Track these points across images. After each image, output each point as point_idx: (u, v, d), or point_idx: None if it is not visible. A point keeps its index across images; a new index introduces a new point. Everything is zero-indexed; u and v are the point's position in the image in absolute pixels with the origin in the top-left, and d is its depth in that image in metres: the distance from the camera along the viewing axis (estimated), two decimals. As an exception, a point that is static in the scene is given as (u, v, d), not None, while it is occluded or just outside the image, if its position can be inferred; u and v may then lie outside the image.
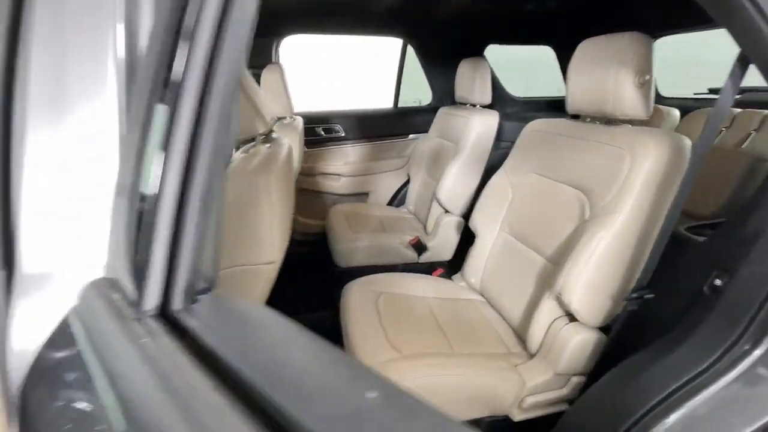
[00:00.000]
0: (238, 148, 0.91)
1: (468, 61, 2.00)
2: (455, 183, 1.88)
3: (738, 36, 0.67)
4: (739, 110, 1.73)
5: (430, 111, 2.37)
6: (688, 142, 0.92)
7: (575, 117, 1.25)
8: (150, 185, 0.31)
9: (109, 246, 0.39)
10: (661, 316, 0.88)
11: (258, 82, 1.77)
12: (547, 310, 1.05)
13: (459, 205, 1.90)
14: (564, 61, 2.60)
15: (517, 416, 1.04)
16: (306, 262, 1.88)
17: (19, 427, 0.36)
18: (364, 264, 1.87)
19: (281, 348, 0.28)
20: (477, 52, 2.39)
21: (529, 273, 1.19)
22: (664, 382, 0.73)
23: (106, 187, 0.39)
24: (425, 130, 2.37)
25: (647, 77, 0.95)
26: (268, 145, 0.89)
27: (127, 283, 0.35)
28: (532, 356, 1.08)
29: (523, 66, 3.02)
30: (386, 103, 2.61)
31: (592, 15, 2.06)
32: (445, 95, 2.47)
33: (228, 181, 0.62)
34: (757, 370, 0.63)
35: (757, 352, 0.63)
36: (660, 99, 2.44)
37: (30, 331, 0.38)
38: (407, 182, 2.48)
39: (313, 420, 0.20)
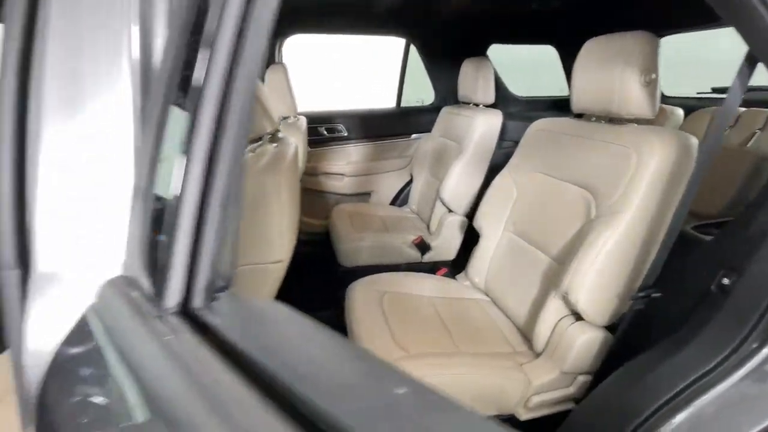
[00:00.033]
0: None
1: (471, 61, 2.00)
2: (459, 182, 1.88)
3: (746, 35, 0.67)
4: (743, 109, 1.72)
5: (433, 111, 2.37)
6: (695, 141, 0.92)
7: (578, 116, 1.25)
8: (171, 187, 0.31)
9: (126, 245, 0.39)
10: (668, 315, 0.88)
11: (261, 81, 1.77)
12: (553, 309, 1.05)
13: (462, 204, 1.90)
14: (567, 60, 2.60)
15: (524, 415, 1.04)
16: (309, 261, 1.88)
17: (37, 423, 0.36)
18: (368, 264, 1.87)
19: (303, 344, 0.28)
20: (480, 52, 2.39)
21: (534, 272, 1.19)
22: (672, 381, 0.73)
23: (120, 187, 0.39)
24: (428, 130, 2.37)
25: (653, 76, 0.95)
26: (275, 144, 0.89)
27: (147, 282, 0.35)
28: (537, 355, 1.08)
29: (525, 66, 3.02)
30: (386, 103, 2.61)
31: (595, 14, 2.05)
32: (447, 95, 2.47)
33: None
34: (766, 368, 0.63)
35: (766, 351, 0.62)
36: (663, 98, 2.44)
37: (46, 329, 0.38)
38: (410, 182, 2.48)
39: (345, 414, 0.20)
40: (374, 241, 1.90)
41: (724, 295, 0.72)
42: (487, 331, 1.20)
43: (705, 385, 0.69)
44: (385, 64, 2.74)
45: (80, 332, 0.37)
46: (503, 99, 2.48)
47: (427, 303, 1.30)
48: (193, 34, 0.38)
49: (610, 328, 1.00)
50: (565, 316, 1.04)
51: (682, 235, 0.91)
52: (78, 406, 0.32)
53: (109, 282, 0.38)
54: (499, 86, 2.47)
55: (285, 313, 0.31)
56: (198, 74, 0.31)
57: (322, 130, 2.38)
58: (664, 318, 0.90)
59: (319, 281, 1.89)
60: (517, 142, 2.07)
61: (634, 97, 0.97)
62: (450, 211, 1.93)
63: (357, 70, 4.39)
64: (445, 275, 1.63)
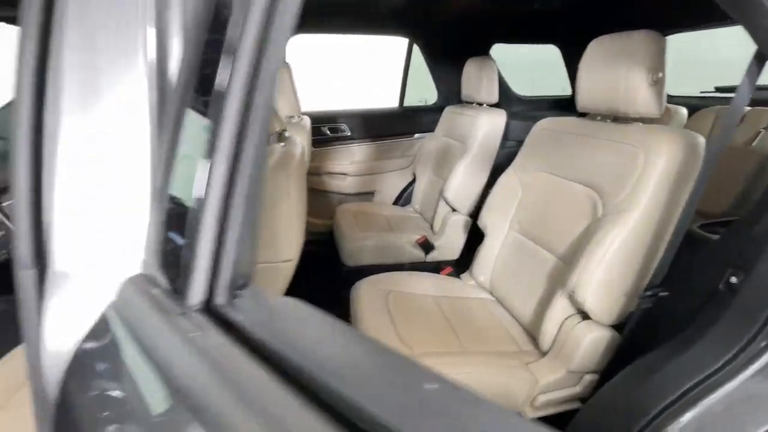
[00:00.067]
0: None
1: (474, 60, 2.00)
2: (463, 182, 1.88)
3: (755, 33, 0.67)
4: (748, 108, 1.72)
5: (436, 110, 2.37)
6: (702, 140, 0.92)
7: (582, 115, 1.25)
8: (193, 189, 0.32)
9: (145, 244, 0.39)
10: (675, 313, 0.88)
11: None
12: (560, 308, 1.05)
13: (466, 204, 1.91)
14: (570, 60, 2.59)
15: (530, 414, 1.04)
16: (313, 260, 1.89)
17: (57, 420, 0.36)
18: (372, 263, 1.88)
19: (327, 340, 0.28)
20: (482, 51, 2.39)
21: (539, 271, 1.19)
22: (679, 380, 0.73)
23: (137, 186, 0.39)
24: (431, 130, 2.37)
25: (660, 75, 0.95)
26: (282, 144, 0.89)
27: (167, 280, 0.35)
28: (543, 354, 1.08)
29: (528, 65, 3.02)
30: (386, 103, 2.62)
31: (598, 14, 2.05)
32: (450, 94, 2.48)
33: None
34: (774, 366, 0.63)
35: (774, 349, 0.63)
36: (667, 97, 2.43)
37: (64, 328, 0.38)
38: (413, 181, 2.49)
39: (378, 408, 0.20)
40: (378, 240, 1.90)
41: (731, 293, 0.72)
42: (492, 330, 1.20)
43: (713, 384, 0.69)
44: (385, 64, 2.75)
45: (100, 329, 0.37)
46: (506, 98, 2.48)
47: (432, 302, 1.30)
48: (210, 39, 0.38)
49: (617, 327, 1.00)
50: (572, 315, 1.04)
51: (689, 234, 0.91)
52: (98, 400, 0.33)
53: (129, 280, 0.38)
54: (502, 86, 2.47)
55: (305, 310, 0.32)
56: (221, 79, 0.32)
57: (326, 130, 2.39)
58: (671, 317, 0.90)
59: (323, 280, 1.89)
60: (520, 142, 2.07)
61: (640, 96, 0.97)
62: (454, 210, 1.93)
63: (357, 70, 4.39)
64: (450, 274, 1.63)
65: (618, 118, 1.10)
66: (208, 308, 0.32)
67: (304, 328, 0.30)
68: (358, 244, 1.88)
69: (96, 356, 0.36)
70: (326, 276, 1.94)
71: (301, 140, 1.17)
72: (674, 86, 2.44)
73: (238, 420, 0.22)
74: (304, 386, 0.23)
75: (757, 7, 0.62)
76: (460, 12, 2.06)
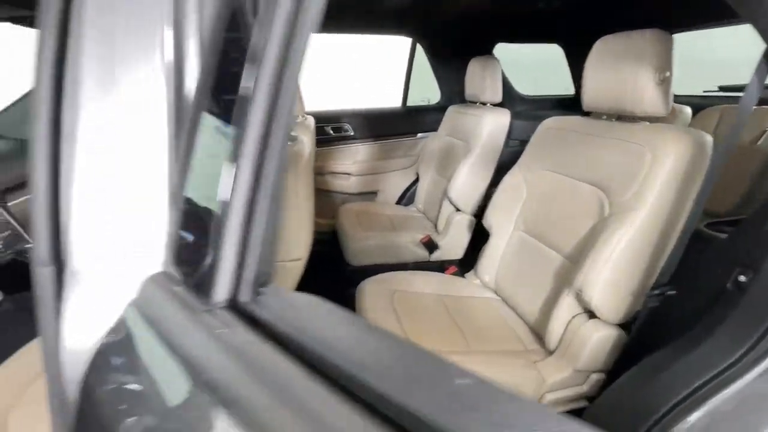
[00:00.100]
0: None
1: (478, 60, 2.00)
2: (467, 181, 1.88)
3: (764, 32, 0.67)
4: (754, 107, 1.72)
5: (439, 110, 2.37)
6: (709, 139, 0.92)
7: (586, 114, 1.26)
8: (221, 192, 0.33)
9: (165, 242, 0.39)
10: (683, 312, 0.88)
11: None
12: (566, 307, 1.05)
13: (470, 203, 1.91)
14: (573, 59, 2.59)
15: (536, 413, 1.04)
16: (318, 259, 1.89)
17: (77, 415, 0.36)
18: (376, 262, 1.88)
19: (353, 336, 0.29)
20: (485, 51, 2.39)
21: (545, 270, 1.19)
22: (687, 379, 0.73)
23: (156, 184, 0.40)
24: (434, 129, 2.37)
25: (667, 74, 0.95)
26: (289, 143, 0.89)
27: (190, 278, 0.35)
28: (550, 353, 1.08)
29: (529, 65, 3.02)
30: (388, 103, 2.62)
31: (602, 13, 2.05)
32: (453, 94, 2.48)
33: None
34: (784, 365, 0.63)
35: (783, 348, 0.63)
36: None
37: (84, 325, 0.39)
38: (415, 181, 2.49)
39: (413, 402, 0.20)
40: (382, 240, 1.90)
41: (740, 292, 0.72)
42: (498, 329, 1.21)
43: (721, 383, 0.68)
44: (381, 64, 2.74)
45: (122, 326, 0.37)
46: (509, 98, 2.48)
47: (437, 301, 1.30)
48: (228, 42, 0.38)
49: (624, 325, 1.00)
50: (578, 314, 1.04)
51: (695, 232, 0.91)
52: (121, 395, 0.33)
53: (150, 278, 0.38)
54: (505, 85, 2.46)
55: (326, 306, 0.32)
56: (245, 85, 0.32)
57: (329, 130, 2.39)
58: (679, 316, 0.90)
59: (327, 280, 1.89)
60: (523, 141, 2.07)
61: (647, 95, 0.97)
62: (457, 209, 1.93)
63: (353, 70, 4.39)
64: (455, 274, 1.63)
65: (624, 117, 1.10)
66: (233, 305, 0.32)
67: (328, 324, 0.30)
68: (362, 244, 1.88)
69: (118, 352, 0.36)
70: (331, 275, 1.94)
71: (307, 140, 1.17)
72: (674, 86, 2.44)
73: (275, 413, 0.22)
74: (335, 380, 0.23)
75: (766, 6, 0.62)
76: (463, 11, 2.06)
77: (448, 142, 2.17)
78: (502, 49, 2.50)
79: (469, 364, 1.02)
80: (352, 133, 2.43)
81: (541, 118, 1.40)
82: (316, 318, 0.31)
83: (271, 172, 0.31)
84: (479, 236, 1.72)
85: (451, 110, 2.26)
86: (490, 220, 1.44)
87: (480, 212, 1.85)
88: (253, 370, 0.25)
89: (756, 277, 0.69)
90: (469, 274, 1.51)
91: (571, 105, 2.66)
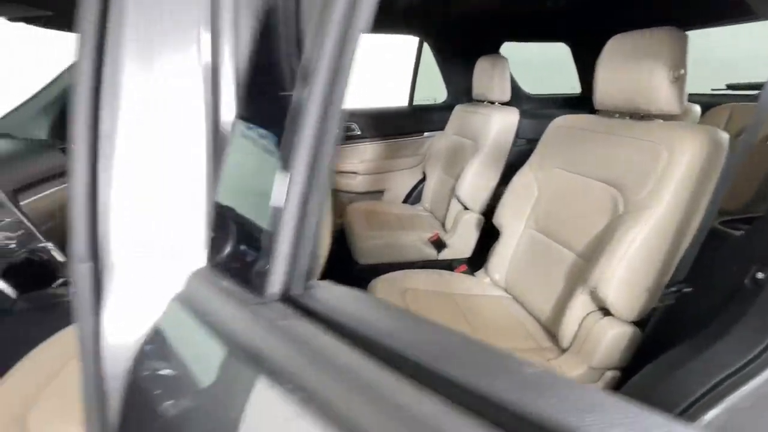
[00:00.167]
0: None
1: (486, 58, 2.00)
2: (475, 180, 1.89)
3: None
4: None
5: (445, 109, 2.37)
6: (725, 136, 0.92)
7: (593, 112, 1.26)
8: (275, 198, 0.34)
9: (208, 238, 0.40)
10: (698, 310, 0.88)
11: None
12: (580, 304, 1.05)
13: (479, 202, 1.91)
14: (580, 58, 2.59)
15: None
16: (326, 258, 1.89)
17: (124, 408, 0.37)
18: (384, 261, 1.88)
19: (412, 327, 0.29)
20: (493, 50, 2.39)
21: (558, 268, 1.19)
22: (704, 376, 0.73)
23: (194, 181, 0.40)
24: (440, 128, 2.37)
25: (682, 72, 0.95)
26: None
27: (239, 272, 0.36)
28: (563, 351, 1.08)
29: (533, 63, 3.02)
30: (395, 102, 2.62)
31: (609, 12, 2.05)
32: (460, 93, 2.48)
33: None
34: (803, 362, 0.63)
35: (802, 345, 0.63)
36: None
37: (127, 320, 0.39)
38: (422, 180, 2.49)
39: (498, 389, 0.21)
40: (390, 238, 1.91)
41: (757, 289, 0.72)
42: (510, 327, 1.21)
43: (739, 381, 0.69)
44: (391, 63, 2.74)
45: (168, 320, 0.37)
46: (516, 97, 2.47)
47: (448, 300, 1.31)
48: (268, 48, 0.39)
49: (639, 323, 1.00)
50: (592, 312, 1.04)
51: (710, 230, 0.91)
52: (171, 388, 0.34)
53: (195, 273, 0.39)
54: (512, 84, 2.46)
55: (372, 299, 0.33)
56: (298, 96, 0.34)
57: (336, 129, 2.39)
58: (694, 313, 0.90)
59: (336, 278, 1.90)
60: (530, 140, 2.08)
61: (662, 94, 0.97)
62: (466, 208, 1.93)
63: (362, 69, 4.39)
64: (464, 272, 1.64)
65: (637, 115, 1.10)
66: (286, 298, 0.33)
67: (382, 315, 0.31)
68: (370, 243, 1.89)
69: (165, 345, 0.37)
70: (340, 274, 1.94)
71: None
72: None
73: (351, 402, 0.22)
74: (405, 369, 0.23)
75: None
76: (471, 11, 2.07)
77: (456, 141, 2.17)
78: (504, 48, 2.50)
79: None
80: (358, 133, 2.43)
81: (547, 117, 1.40)
82: (368, 309, 0.32)
83: (323, 173, 0.32)
84: (487, 235, 1.72)
85: (459, 109, 2.26)
86: (501, 218, 1.45)
87: (488, 211, 1.85)
88: (321, 359, 0.26)
89: (774, 274, 0.69)
90: (479, 273, 1.52)
91: (577, 103, 2.66)
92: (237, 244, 0.37)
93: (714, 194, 0.88)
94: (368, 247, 1.89)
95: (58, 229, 1.54)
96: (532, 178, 1.36)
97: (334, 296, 0.33)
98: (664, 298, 0.94)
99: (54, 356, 0.94)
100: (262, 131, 0.39)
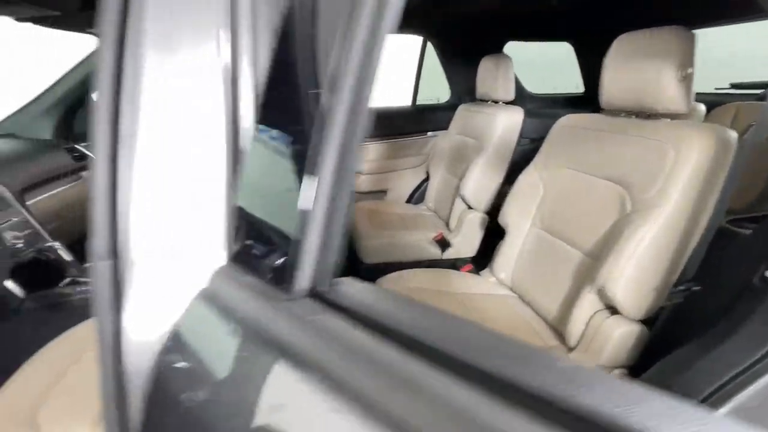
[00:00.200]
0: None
1: (490, 58, 2.01)
2: (480, 179, 1.89)
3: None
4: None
5: (449, 108, 2.37)
6: (734, 135, 0.93)
7: (596, 111, 1.26)
8: (302, 201, 0.35)
9: (230, 236, 0.40)
10: (707, 308, 0.88)
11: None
12: (587, 303, 1.05)
13: (483, 201, 1.91)
14: (584, 57, 2.59)
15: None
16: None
17: (148, 405, 0.37)
18: (389, 260, 1.89)
19: (440, 322, 0.29)
20: (496, 49, 2.39)
21: (564, 267, 1.19)
22: (713, 375, 0.73)
23: (215, 182, 0.41)
24: (444, 128, 2.37)
25: (689, 71, 0.95)
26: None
27: (264, 269, 0.36)
28: (570, 350, 1.08)
29: (535, 63, 3.02)
30: (398, 101, 2.62)
31: (613, 11, 2.05)
32: (463, 92, 2.48)
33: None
34: (812, 360, 0.63)
35: (811, 343, 0.63)
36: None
37: (147, 317, 0.39)
38: (425, 180, 2.49)
39: (537, 381, 0.21)
40: (394, 238, 1.91)
41: (766, 287, 0.72)
42: (517, 326, 1.21)
43: (747, 380, 0.68)
44: (393, 63, 2.75)
45: (192, 316, 0.38)
46: (519, 96, 2.47)
47: (454, 299, 1.31)
48: (287, 51, 0.40)
49: (646, 321, 1.01)
50: (600, 310, 1.04)
51: (718, 229, 0.91)
52: (201, 381, 0.34)
53: (218, 270, 0.39)
54: (515, 83, 2.47)
55: (397, 295, 0.33)
56: (325, 104, 0.35)
57: (339, 129, 2.39)
58: (702, 312, 0.90)
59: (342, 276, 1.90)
60: (533, 139, 2.08)
61: (669, 92, 0.97)
62: (470, 208, 1.94)
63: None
64: (470, 272, 1.64)
65: (643, 114, 1.11)
66: (314, 294, 0.33)
67: (409, 311, 0.31)
68: (374, 242, 1.89)
69: (191, 341, 0.37)
70: (344, 273, 1.95)
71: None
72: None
73: (391, 395, 0.22)
74: (439, 362, 0.24)
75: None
76: (474, 10, 2.07)
77: (460, 141, 2.18)
78: (505, 48, 2.50)
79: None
80: (362, 132, 2.43)
81: (550, 116, 1.40)
82: (395, 304, 0.32)
83: (350, 174, 0.33)
84: (491, 234, 1.73)
85: (462, 109, 2.27)
86: (507, 218, 1.45)
87: (492, 210, 1.85)
88: (355, 353, 0.26)
89: (784, 273, 0.69)
90: (485, 272, 1.52)
91: (580, 103, 2.66)
92: (259, 243, 0.38)
93: (722, 193, 0.88)
94: (372, 246, 1.89)
95: (63, 228, 1.54)
96: (538, 177, 1.37)
97: (359, 292, 0.34)
98: (672, 296, 0.94)
99: (63, 355, 0.95)
100: (283, 132, 0.39)
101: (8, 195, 1.35)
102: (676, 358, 0.84)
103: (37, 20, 1.28)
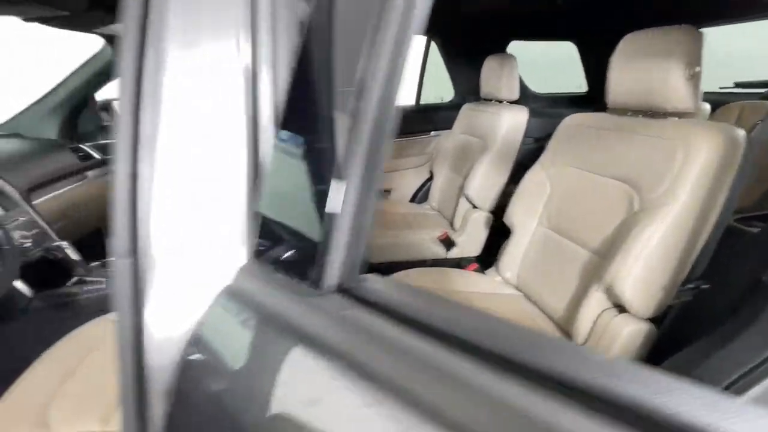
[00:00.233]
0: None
1: (495, 57, 2.01)
2: (484, 179, 1.89)
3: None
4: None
5: (453, 108, 2.37)
6: (742, 134, 0.93)
7: (600, 110, 1.26)
8: (330, 204, 0.36)
9: (253, 233, 0.41)
10: (715, 307, 0.89)
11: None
12: (595, 301, 1.06)
13: (488, 200, 1.91)
14: (587, 57, 2.59)
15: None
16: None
17: (173, 403, 0.38)
18: (393, 259, 1.89)
19: (469, 316, 0.30)
20: (500, 49, 2.39)
21: (571, 266, 1.20)
22: (721, 373, 0.73)
23: (236, 180, 0.41)
24: (448, 127, 2.37)
25: (697, 69, 0.96)
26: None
27: (292, 265, 0.37)
28: (578, 348, 1.08)
29: (537, 63, 3.02)
30: (402, 100, 2.62)
31: (617, 11, 2.05)
32: (467, 92, 2.48)
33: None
34: (821, 358, 0.63)
35: (821, 341, 0.63)
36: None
37: (170, 314, 0.40)
38: (429, 179, 2.49)
39: (573, 371, 0.21)
40: (399, 237, 1.92)
41: (777, 286, 0.72)
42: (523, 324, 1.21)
43: (755, 378, 0.68)
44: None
45: (218, 313, 0.38)
46: (522, 96, 2.47)
47: (461, 299, 1.31)
48: (307, 55, 0.40)
49: (654, 320, 1.01)
50: (607, 309, 1.04)
51: (726, 227, 0.91)
52: (232, 378, 0.34)
53: (243, 267, 0.40)
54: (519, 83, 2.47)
55: (419, 290, 0.34)
56: (352, 109, 0.35)
57: (343, 128, 2.39)
58: (710, 310, 0.90)
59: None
60: (537, 139, 2.08)
61: (677, 91, 0.98)
62: (474, 207, 1.94)
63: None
64: (475, 271, 1.64)
65: (650, 113, 1.11)
66: (342, 290, 0.34)
67: (436, 305, 0.32)
68: (379, 242, 1.89)
69: (217, 337, 0.38)
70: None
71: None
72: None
73: (433, 389, 0.23)
74: (475, 355, 0.24)
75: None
76: (478, 10, 2.07)
77: (464, 140, 2.18)
78: (509, 47, 2.50)
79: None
80: (365, 132, 2.43)
81: (554, 116, 1.40)
82: (421, 299, 0.33)
83: (378, 173, 0.33)
84: (496, 233, 1.73)
85: (466, 108, 2.27)
86: (513, 217, 1.45)
87: (497, 209, 1.86)
88: (390, 346, 0.26)
89: (793, 271, 0.70)
90: (490, 271, 1.52)
91: (583, 102, 2.66)
92: (285, 240, 0.38)
93: (731, 191, 0.88)
94: (377, 245, 1.89)
95: (69, 228, 1.55)
96: (544, 176, 1.37)
97: (386, 287, 0.34)
98: (680, 295, 0.94)
99: (72, 353, 0.95)
100: (303, 132, 0.39)
101: (15, 195, 1.36)
102: (684, 357, 0.84)
103: (44, 20, 1.29)
